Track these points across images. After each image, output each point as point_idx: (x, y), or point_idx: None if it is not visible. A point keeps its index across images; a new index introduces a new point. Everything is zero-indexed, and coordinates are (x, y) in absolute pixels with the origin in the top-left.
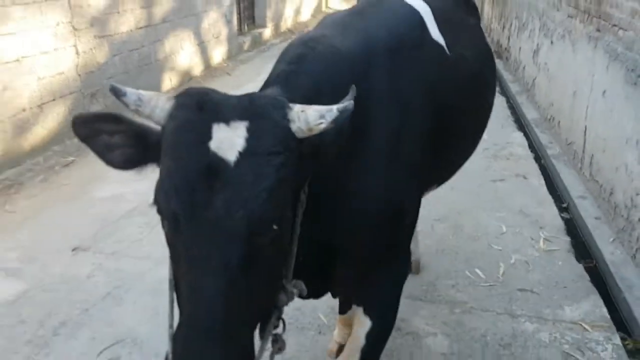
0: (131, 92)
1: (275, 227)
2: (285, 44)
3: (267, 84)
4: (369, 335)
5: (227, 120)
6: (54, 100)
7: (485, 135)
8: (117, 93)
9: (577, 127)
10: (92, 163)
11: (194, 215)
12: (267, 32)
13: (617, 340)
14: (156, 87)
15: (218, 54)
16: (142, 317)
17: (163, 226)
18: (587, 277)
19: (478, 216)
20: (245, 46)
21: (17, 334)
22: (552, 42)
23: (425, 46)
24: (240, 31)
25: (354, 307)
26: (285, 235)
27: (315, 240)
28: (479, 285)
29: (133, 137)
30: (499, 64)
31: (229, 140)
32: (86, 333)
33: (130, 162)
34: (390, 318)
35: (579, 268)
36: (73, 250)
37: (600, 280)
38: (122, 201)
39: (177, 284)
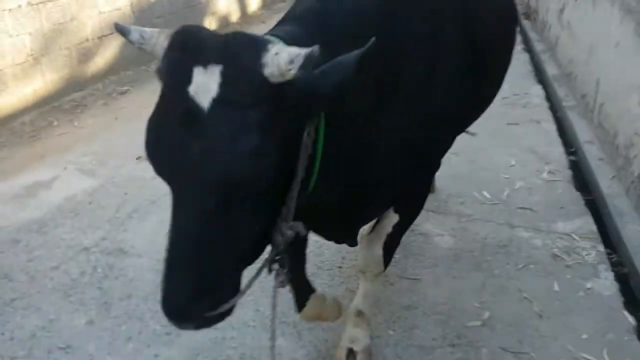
0: (135, 30)
1: (259, 183)
2: None
3: (286, 18)
4: (396, 225)
5: (205, 64)
6: (111, 34)
7: (505, 86)
8: (122, 32)
9: (591, 79)
10: (145, 92)
11: (173, 158)
12: None
13: (601, 248)
14: None
15: (254, 2)
16: None
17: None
18: (583, 202)
19: (491, 152)
20: None
21: (97, 216)
22: (576, 1)
23: None
24: None
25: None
26: (275, 184)
27: (343, 184)
28: (485, 203)
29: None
30: (527, 24)
31: (205, 86)
32: (154, 217)
33: None
34: (415, 215)
35: (577, 195)
36: (137, 158)
37: (596, 208)
38: None
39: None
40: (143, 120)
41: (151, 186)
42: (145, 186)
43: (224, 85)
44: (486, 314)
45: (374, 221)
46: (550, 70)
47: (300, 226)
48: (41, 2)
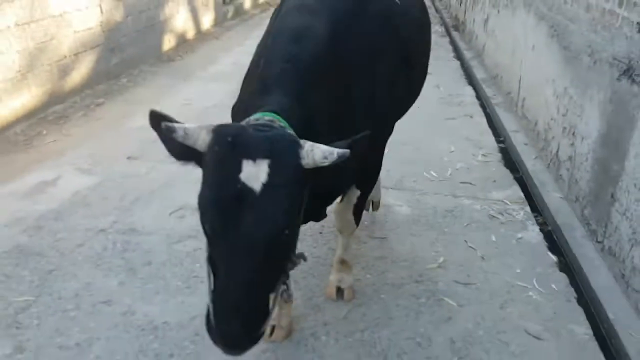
0: (179, 128)
1: (287, 232)
2: (264, 14)
3: (269, 83)
4: (359, 197)
5: (254, 158)
6: (85, 51)
7: (441, 88)
8: (169, 130)
9: (514, 79)
10: (119, 104)
11: (228, 226)
12: (247, 3)
13: (528, 210)
14: (159, 46)
15: (207, 20)
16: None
17: (202, 224)
18: (512, 177)
19: (434, 141)
20: (229, 15)
21: (105, 205)
22: (498, 12)
23: (383, 2)
24: (224, 1)
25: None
26: (295, 234)
27: (321, 191)
28: (433, 180)
29: (185, 147)
30: (456, 35)
31: (254, 174)
32: (156, 204)
33: (180, 157)
34: (372, 186)
35: (507, 172)
36: (128, 158)
37: (523, 182)
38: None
39: (212, 262)
40: (123, 128)
41: (147, 180)
42: (141, 180)
43: (271, 174)
44: (441, 259)
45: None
46: (479, 74)
47: (303, 254)
48: (26, 23)
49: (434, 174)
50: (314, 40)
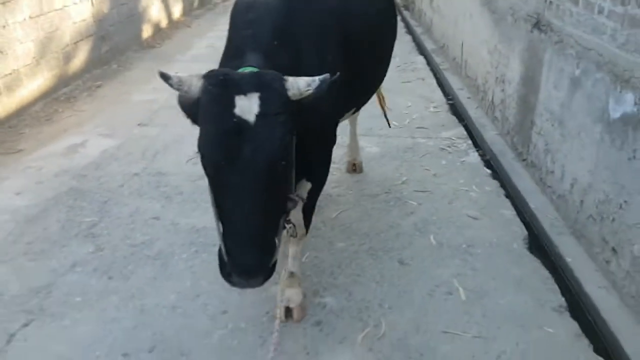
0: (174, 76)
1: (283, 162)
2: (227, 3)
3: (239, 48)
4: (310, 192)
5: (244, 92)
6: (82, 39)
7: (397, 58)
8: (164, 78)
9: (457, 46)
10: (116, 84)
11: (230, 160)
12: None
13: (470, 143)
14: (140, 34)
15: (177, 10)
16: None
17: (205, 169)
18: (457, 122)
19: (393, 99)
20: (195, 4)
21: (130, 158)
22: None
23: None
24: None
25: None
26: (291, 166)
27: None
28: (395, 127)
29: (189, 100)
30: (407, 14)
31: (248, 107)
32: (173, 155)
33: (189, 111)
34: (323, 181)
35: (453, 118)
36: (138, 125)
37: (466, 125)
38: (152, 103)
39: (219, 204)
40: (126, 103)
41: (159, 139)
42: (155, 139)
43: (262, 105)
44: (404, 178)
45: None
46: (429, 45)
47: (301, 195)
48: (37, 16)
49: (396, 123)
50: (267, 7)
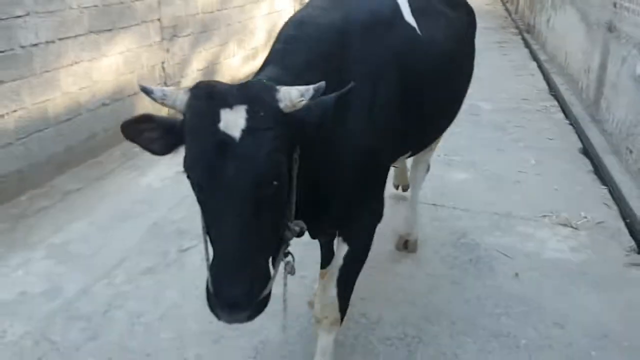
0: (157, 90)
1: (275, 182)
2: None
3: (266, 62)
4: (346, 257)
5: (230, 105)
6: None
7: (514, 63)
8: (146, 92)
9: (562, 52)
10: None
11: (214, 180)
12: None
13: (557, 106)
14: None
15: None
16: None
17: (193, 189)
18: (553, 98)
19: (508, 82)
20: None
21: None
22: (555, 12)
23: (397, 25)
24: None
25: (337, 240)
26: (284, 188)
27: (314, 190)
28: (504, 100)
29: (165, 128)
30: (527, 36)
31: (233, 121)
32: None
33: (167, 147)
34: (365, 244)
35: (551, 97)
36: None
37: (559, 100)
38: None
39: (208, 229)
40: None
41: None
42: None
43: (249, 119)
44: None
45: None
46: (542, 56)
47: (301, 223)
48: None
49: (505, 96)
50: (315, 27)
